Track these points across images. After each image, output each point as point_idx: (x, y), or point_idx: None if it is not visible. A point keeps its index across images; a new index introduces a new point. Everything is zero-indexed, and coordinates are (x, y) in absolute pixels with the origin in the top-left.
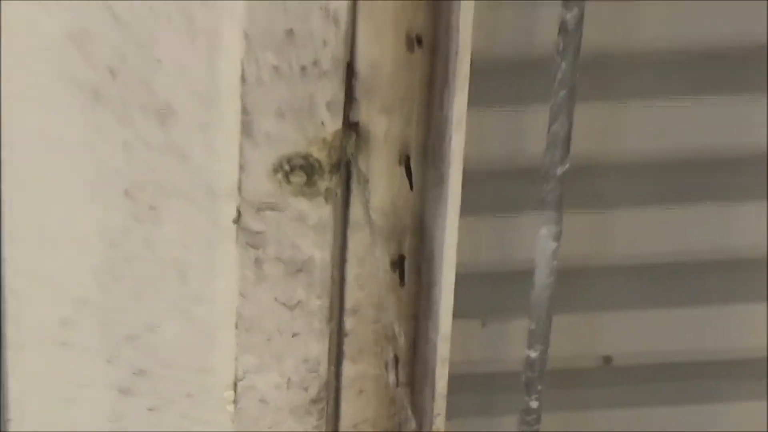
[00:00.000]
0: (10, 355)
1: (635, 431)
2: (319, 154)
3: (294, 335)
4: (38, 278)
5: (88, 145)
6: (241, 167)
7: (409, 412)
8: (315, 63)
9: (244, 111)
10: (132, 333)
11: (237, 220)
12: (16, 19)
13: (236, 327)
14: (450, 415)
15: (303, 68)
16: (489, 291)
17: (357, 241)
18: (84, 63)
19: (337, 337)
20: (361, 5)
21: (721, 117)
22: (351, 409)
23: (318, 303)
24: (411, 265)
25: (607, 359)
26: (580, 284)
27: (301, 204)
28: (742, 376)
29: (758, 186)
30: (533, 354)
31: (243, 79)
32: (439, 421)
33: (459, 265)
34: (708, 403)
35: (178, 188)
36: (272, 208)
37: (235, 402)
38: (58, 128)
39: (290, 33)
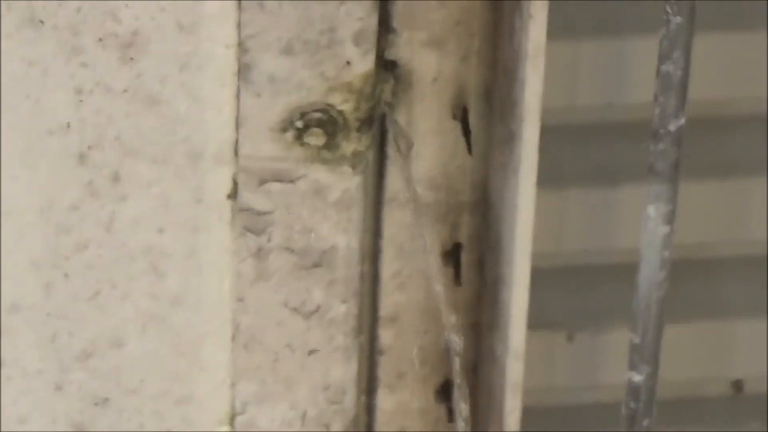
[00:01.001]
0: None
1: None
2: (343, 104)
3: (310, 353)
4: None
5: (27, 91)
6: (238, 123)
7: None
8: None
9: (241, 46)
10: (88, 349)
11: (232, 195)
12: None
13: (232, 341)
14: None
15: None
16: (577, 292)
17: (396, 224)
18: None
19: (369, 356)
20: None
21: None
22: None
23: (343, 309)
24: (470, 257)
25: (738, 384)
26: (701, 283)
27: (320, 173)
28: None
29: None
30: (637, 377)
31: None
32: None
33: (536, 257)
34: None
35: (150, 150)
36: (280, 179)
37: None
38: None
39: None
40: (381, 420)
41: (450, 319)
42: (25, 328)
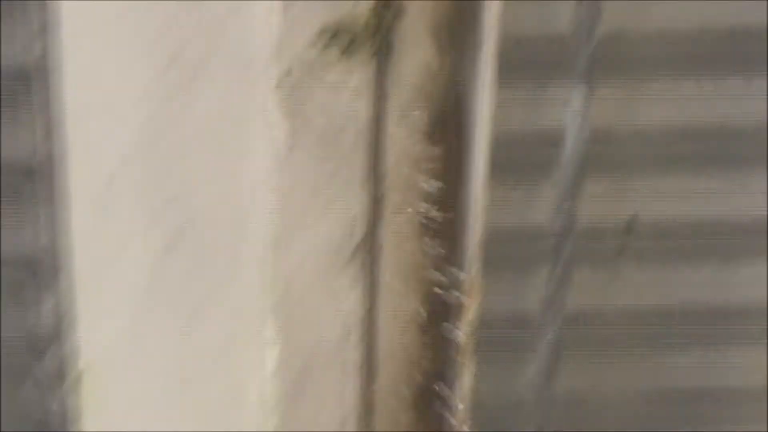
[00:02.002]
0: (69, 208)
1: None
2: (358, 20)
3: (333, 196)
4: (88, 138)
5: (130, 13)
6: (282, 35)
7: (441, 267)
8: None
9: None
10: (173, 194)
11: (278, 87)
12: None
13: (276, 188)
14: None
15: None
16: (521, 156)
17: (393, 106)
18: None
19: (375, 197)
20: None
21: None
22: (388, 266)
23: (357, 166)
24: (445, 130)
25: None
26: (607, 150)
27: (339, 72)
28: None
29: None
30: (562, 218)
31: None
32: (474, 275)
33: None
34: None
35: (218, 55)
36: (311, 75)
37: (274, 260)
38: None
39: None
40: (384, 242)
41: (430, 171)
42: (132, 177)
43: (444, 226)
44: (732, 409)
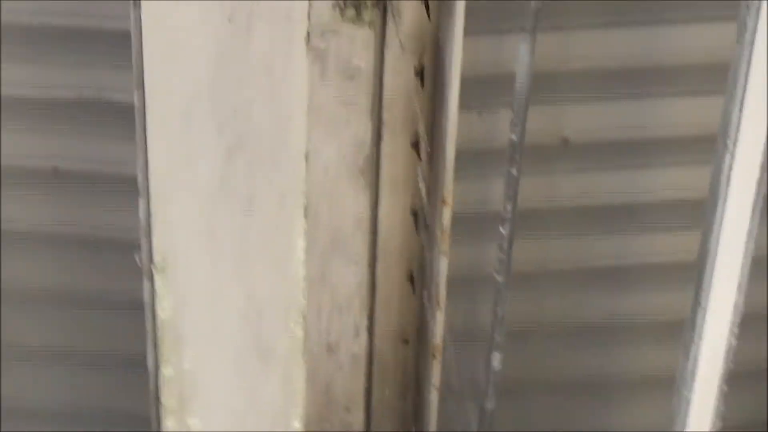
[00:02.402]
0: (149, 130)
1: None
2: None
3: (347, 122)
4: (167, 76)
5: None
6: (310, 2)
7: (426, 177)
8: None
9: None
10: (234, 113)
11: (307, 39)
12: None
13: (307, 114)
14: (456, 180)
15: None
16: (484, 91)
17: (391, 56)
18: None
19: (378, 124)
20: None
21: None
22: (387, 175)
23: (364, 100)
24: (429, 73)
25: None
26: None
27: (352, 29)
28: None
29: None
30: (514, 136)
31: None
32: (449, 183)
33: (462, 72)
34: None
35: (266, 14)
36: (332, 32)
37: (306, 166)
38: None
39: None
40: (383, 155)
41: (419, 105)
42: (205, 102)
43: (428, 147)
44: None
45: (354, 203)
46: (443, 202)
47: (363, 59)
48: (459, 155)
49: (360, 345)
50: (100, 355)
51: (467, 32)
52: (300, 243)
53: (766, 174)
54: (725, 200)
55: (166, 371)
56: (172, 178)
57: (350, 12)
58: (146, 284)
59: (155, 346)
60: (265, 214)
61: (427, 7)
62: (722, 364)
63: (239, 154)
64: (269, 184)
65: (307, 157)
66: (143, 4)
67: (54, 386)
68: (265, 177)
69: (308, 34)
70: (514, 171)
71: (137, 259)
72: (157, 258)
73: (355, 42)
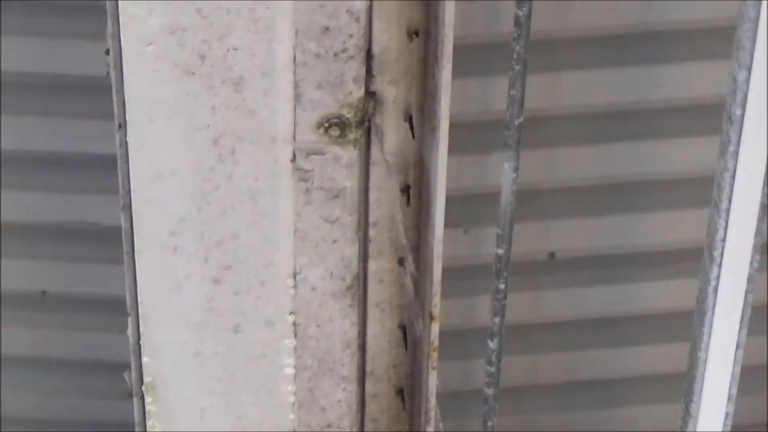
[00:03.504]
0: (137, 257)
1: None
2: (348, 114)
3: (334, 242)
4: (153, 202)
5: (187, 108)
6: (295, 123)
7: (413, 294)
8: (344, 50)
9: (295, 84)
10: (220, 240)
11: (293, 160)
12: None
13: (294, 235)
14: (443, 296)
15: (335, 54)
16: (469, 208)
17: (376, 174)
18: (180, 50)
19: (364, 242)
20: (375, 6)
21: None
22: (374, 293)
23: (350, 219)
24: (414, 191)
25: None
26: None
27: (336, 149)
28: None
29: None
30: (500, 251)
31: (294, 61)
32: (436, 299)
33: (447, 190)
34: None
35: (250, 137)
36: (316, 152)
37: (294, 288)
38: (164, 96)
39: (326, 29)
40: (370, 275)
41: (404, 223)
42: (189, 230)
43: (414, 263)
44: None
45: (342, 322)
46: (431, 317)
47: (348, 178)
48: (446, 271)
49: None
50: None
51: (451, 149)
52: (289, 363)
53: (754, 285)
54: (713, 313)
55: None
56: (160, 300)
57: (335, 132)
58: (136, 403)
59: None
60: (253, 335)
61: (411, 126)
62: None
63: (226, 278)
64: (256, 306)
65: (294, 277)
66: (129, 124)
67: None
68: (252, 299)
69: (294, 155)
70: (501, 285)
71: (126, 379)
72: (147, 378)
73: (340, 161)
